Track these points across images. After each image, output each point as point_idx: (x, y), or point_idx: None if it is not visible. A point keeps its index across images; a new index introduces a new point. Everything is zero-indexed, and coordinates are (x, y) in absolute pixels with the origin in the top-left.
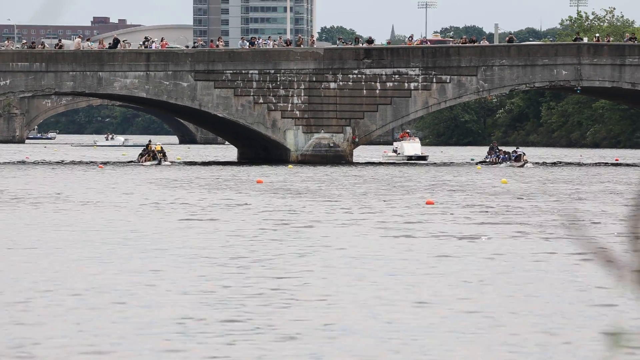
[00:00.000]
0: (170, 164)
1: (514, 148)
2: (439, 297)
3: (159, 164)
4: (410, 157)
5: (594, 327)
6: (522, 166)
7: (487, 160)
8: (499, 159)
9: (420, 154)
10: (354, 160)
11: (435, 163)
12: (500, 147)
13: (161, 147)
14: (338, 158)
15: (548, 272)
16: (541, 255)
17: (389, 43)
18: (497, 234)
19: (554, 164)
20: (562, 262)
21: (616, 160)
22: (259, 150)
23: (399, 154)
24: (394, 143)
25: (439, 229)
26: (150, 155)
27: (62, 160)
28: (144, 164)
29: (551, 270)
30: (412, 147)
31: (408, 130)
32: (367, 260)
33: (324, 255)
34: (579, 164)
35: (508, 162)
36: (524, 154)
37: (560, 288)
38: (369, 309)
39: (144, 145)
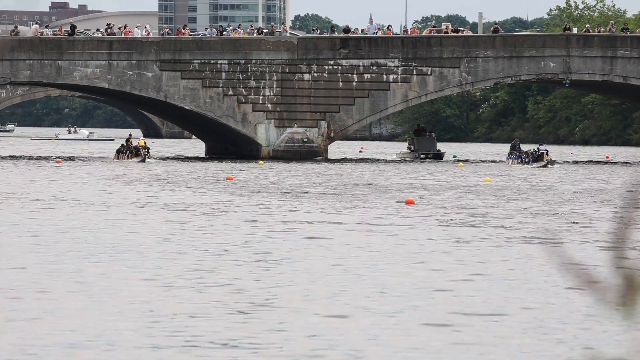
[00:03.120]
0: (154, 160)
1: (537, 146)
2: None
3: (143, 160)
4: (426, 155)
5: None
6: (545, 166)
7: (510, 160)
8: (523, 159)
9: (436, 151)
10: (329, 157)
11: (419, 160)
12: (523, 146)
13: (144, 143)
14: (312, 154)
15: (530, 280)
16: (519, 259)
17: (389, 31)
18: (475, 237)
19: (575, 162)
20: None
21: (607, 158)
22: (228, 145)
23: (412, 150)
24: (409, 140)
25: (419, 229)
26: (133, 151)
27: (22, 156)
28: (126, 160)
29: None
30: (426, 143)
31: (423, 126)
32: (342, 259)
33: (301, 258)
34: (607, 163)
35: (535, 163)
36: (547, 151)
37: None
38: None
39: (108, 139)
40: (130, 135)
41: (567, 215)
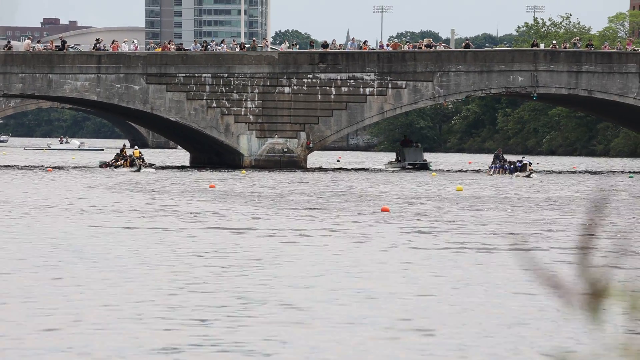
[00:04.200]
0: (151, 170)
1: (519, 157)
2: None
3: (139, 170)
4: (410, 164)
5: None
6: (527, 176)
7: (492, 170)
8: (504, 169)
9: (422, 161)
10: (308, 166)
11: (406, 170)
12: (506, 156)
13: (140, 153)
14: (292, 163)
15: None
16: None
17: (365, 46)
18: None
19: (552, 171)
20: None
21: (574, 168)
22: (211, 155)
23: (399, 161)
24: (397, 150)
25: (395, 237)
26: (128, 161)
27: (18, 165)
28: (122, 169)
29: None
30: (413, 153)
31: (410, 138)
32: (320, 267)
33: (283, 264)
34: (587, 172)
35: (516, 173)
36: (530, 163)
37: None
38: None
39: (98, 149)
40: (124, 145)
41: (542, 222)
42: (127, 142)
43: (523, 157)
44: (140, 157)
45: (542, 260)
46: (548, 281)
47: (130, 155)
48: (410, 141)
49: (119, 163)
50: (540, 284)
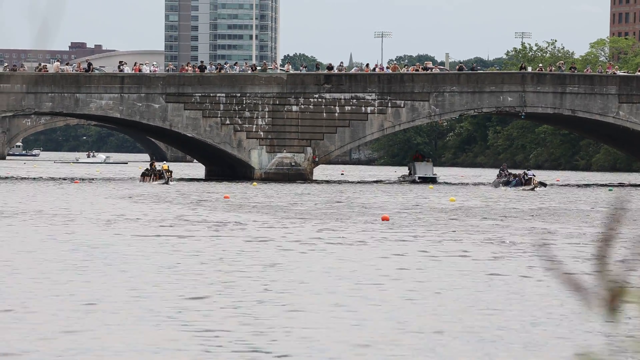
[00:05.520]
0: (176, 183)
1: (524, 170)
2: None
3: (167, 183)
4: (420, 178)
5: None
6: (532, 189)
7: (497, 182)
8: (509, 183)
9: (432, 175)
10: (313, 178)
11: (393, 182)
12: (510, 170)
13: (168, 167)
14: (299, 176)
15: (518, 293)
16: (509, 273)
17: (367, 69)
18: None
19: (558, 185)
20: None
21: (557, 180)
22: (225, 168)
23: (410, 174)
24: (409, 164)
25: (394, 245)
26: (157, 174)
27: (45, 177)
28: (151, 183)
29: (518, 291)
30: (423, 168)
31: (422, 153)
32: (320, 275)
33: (286, 272)
34: (589, 185)
35: (520, 187)
36: (535, 176)
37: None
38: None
39: (122, 162)
40: (153, 159)
41: (557, 230)
42: (150, 157)
43: (528, 171)
44: (169, 171)
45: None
46: (569, 282)
47: (160, 170)
48: (421, 156)
49: (149, 178)
50: (562, 285)
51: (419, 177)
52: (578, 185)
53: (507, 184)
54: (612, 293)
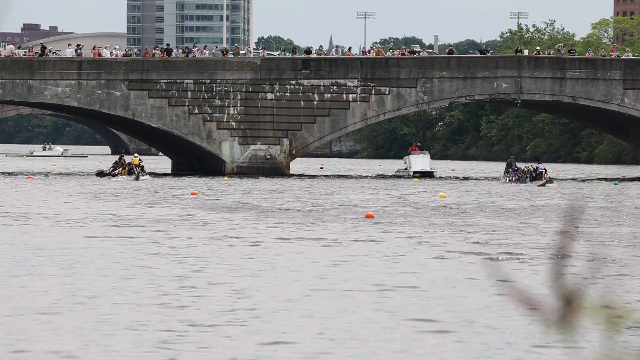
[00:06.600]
0: (148, 178)
1: (535, 164)
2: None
3: (137, 178)
4: (416, 173)
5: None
6: (543, 185)
7: (505, 179)
8: (518, 177)
9: (428, 169)
10: (290, 173)
11: (379, 175)
12: (517, 164)
13: (139, 160)
14: (274, 170)
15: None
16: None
17: (349, 52)
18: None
19: (563, 179)
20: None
21: (557, 175)
22: (193, 161)
23: (406, 168)
24: (404, 157)
25: (381, 244)
26: (126, 168)
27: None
28: (119, 178)
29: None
30: (419, 161)
31: (418, 144)
32: (302, 273)
33: (268, 271)
34: (605, 179)
35: (530, 182)
36: (546, 170)
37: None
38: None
39: (82, 156)
40: (122, 151)
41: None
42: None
43: (538, 164)
44: (140, 165)
45: (513, 275)
46: (520, 297)
47: (130, 163)
48: (418, 148)
49: (116, 172)
50: (512, 299)
51: (414, 172)
52: (584, 180)
53: (522, 180)
54: (567, 305)
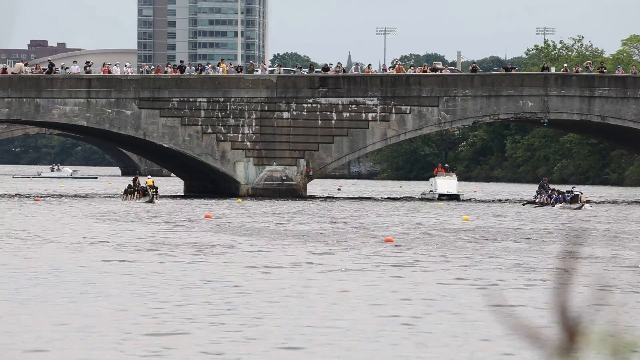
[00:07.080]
0: (162, 201)
1: (570, 187)
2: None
3: (152, 201)
4: (442, 196)
5: None
6: (579, 208)
7: (537, 200)
8: (551, 199)
9: (455, 192)
10: (307, 194)
11: (397, 198)
12: (551, 186)
13: (153, 182)
14: (291, 192)
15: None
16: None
17: (368, 70)
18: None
19: (611, 202)
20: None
21: (586, 198)
22: (207, 183)
23: (431, 191)
24: (430, 179)
25: (400, 269)
26: (141, 191)
27: (4, 194)
28: (134, 201)
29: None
30: (445, 183)
31: (446, 165)
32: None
33: (289, 296)
34: (626, 203)
35: (562, 203)
36: (582, 193)
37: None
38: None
39: (91, 177)
40: (138, 172)
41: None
42: (138, 172)
43: (573, 187)
44: (154, 187)
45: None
46: (520, 326)
47: (143, 186)
48: (443, 170)
49: (132, 195)
50: (511, 329)
51: (440, 195)
52: (613, 202)
53: (558, 201)
54: (570, 333)
